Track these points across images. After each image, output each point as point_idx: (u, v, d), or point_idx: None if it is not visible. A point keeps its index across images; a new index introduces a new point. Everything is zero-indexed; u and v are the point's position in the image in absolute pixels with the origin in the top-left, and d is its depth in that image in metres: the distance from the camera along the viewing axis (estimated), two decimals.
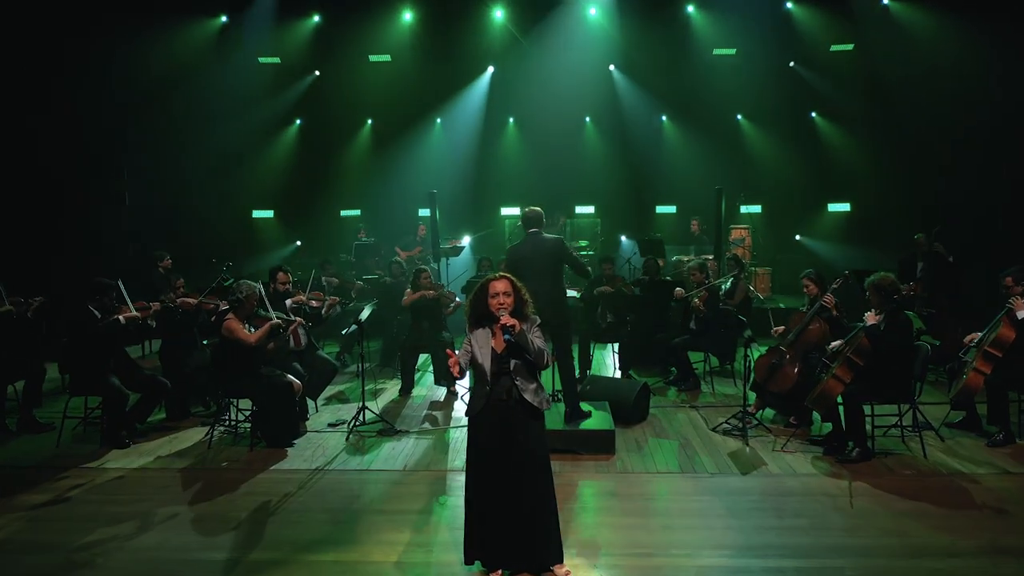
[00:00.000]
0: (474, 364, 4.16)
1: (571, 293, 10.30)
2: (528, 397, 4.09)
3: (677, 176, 14.70)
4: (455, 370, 4.04)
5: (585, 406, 6.71)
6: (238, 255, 13.29)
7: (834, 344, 6.40)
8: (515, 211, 14.99)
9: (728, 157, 14.43)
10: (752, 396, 7.14)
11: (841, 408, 6.14)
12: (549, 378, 6.77)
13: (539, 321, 4.27)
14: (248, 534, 4.81)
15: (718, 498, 5.30)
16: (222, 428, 6.82)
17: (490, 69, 14.98)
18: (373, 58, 14.49)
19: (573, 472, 5.84)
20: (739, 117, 15.08)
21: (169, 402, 7.39)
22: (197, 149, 13.56)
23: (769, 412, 7.26)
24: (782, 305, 12.12)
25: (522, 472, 4.07)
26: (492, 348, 4.13)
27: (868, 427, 6.06)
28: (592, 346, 9.11)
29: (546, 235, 6.65)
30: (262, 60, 14.35)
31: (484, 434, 4.12)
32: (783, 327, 7.06)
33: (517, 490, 4.06)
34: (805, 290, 7.02)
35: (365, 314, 7.23)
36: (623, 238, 14.93)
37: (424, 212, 13.39)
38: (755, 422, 6.88)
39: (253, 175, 15.09)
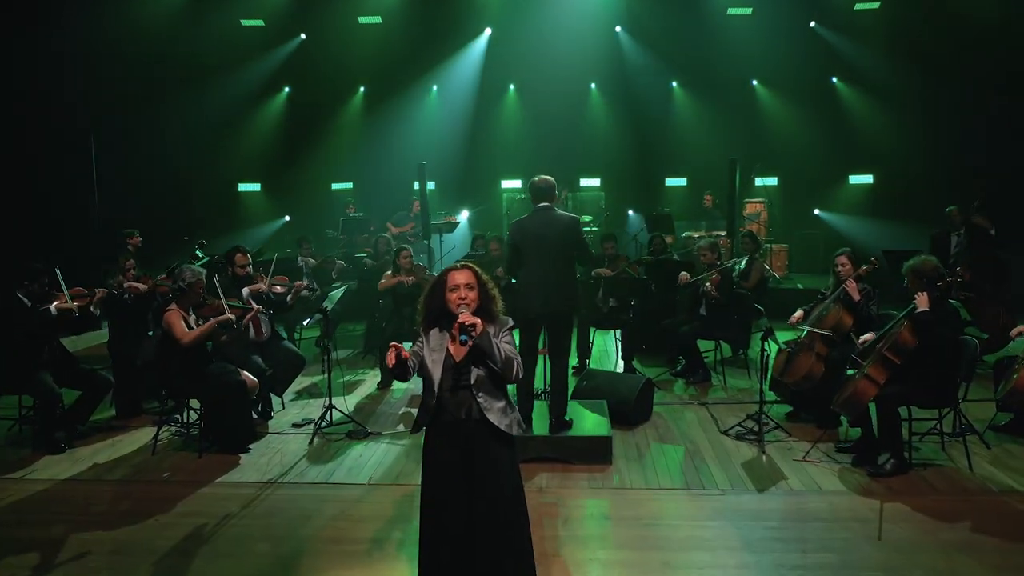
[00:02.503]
0: (422, 372, 3.35)
1: None
2: (493, 418, 3.27)
3: (688, 146, 13.83)
4: (391, 359, 3.18)
5: (579, 406, 5.94)
6: (222, 231, 12.59)
7: (865, 337, 5.56)
8: (515, 184, 14.19)
9: (743, 125, 13.53)
10: (771, 396, 6.32)
11: (873, 412, 5.31)
12: (542, 377, 5.95)
13: (511, 324, 3.43)
14: (170, 571, 4.05)
15: (730, 524, 4.51)
16: (171, 430, 6.08)
17: (488, 31, 14.00)
18: (363, 19, 13.60)
19: (561, 488, 5.05)
20: (755, 82, 14.10)
21: (118, 399, 6.67)
22: (176, 119, 12.74)
23: (784, 407, 6.46)
24: (800, 285, 11.27)
25: (485, 508, 3.26)
26: (449, 354, 3.32)
27: (904, 432, 5.23)
28: (592, 333, 8.29)
29: (559, 211, 5.59)
30: (245, 23, 13.44)
31: (437, 460, 3.33)
32: (801, 313, 6.24)
33: (482, 529, 3.26)
34: (840, 268, 6.10)
35: (332, 300, 6.46)
36: (630, 213, 14.13)
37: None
38: (772, 424, 6.07)
39: (238, 146, 14.28)
